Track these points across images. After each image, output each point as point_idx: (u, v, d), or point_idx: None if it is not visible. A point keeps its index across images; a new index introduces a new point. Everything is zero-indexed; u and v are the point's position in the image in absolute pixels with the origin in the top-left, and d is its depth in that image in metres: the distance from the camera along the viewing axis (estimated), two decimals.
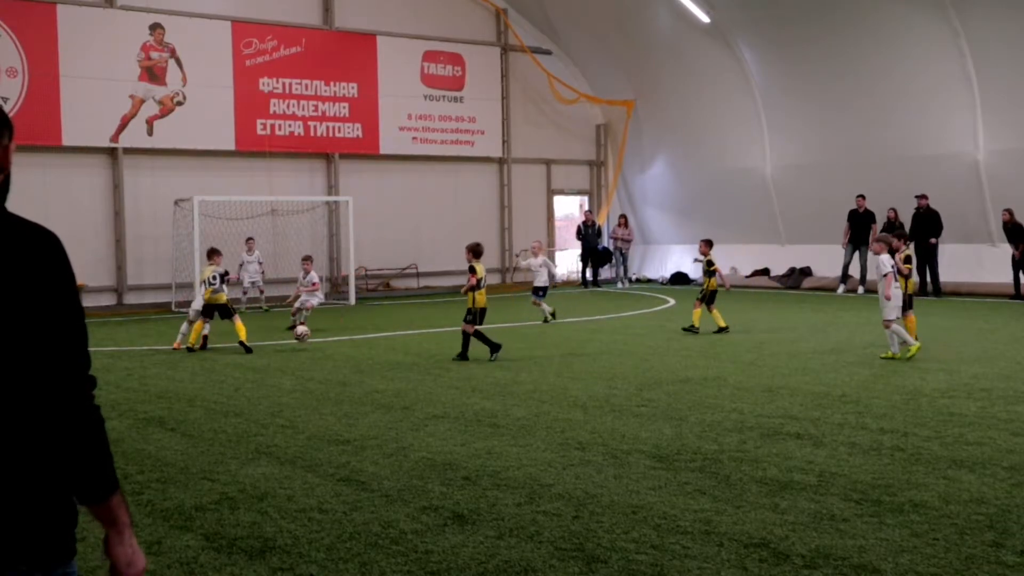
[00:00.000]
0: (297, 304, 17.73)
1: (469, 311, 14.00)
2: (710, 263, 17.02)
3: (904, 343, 13.24)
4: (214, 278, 15.64)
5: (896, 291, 13.29)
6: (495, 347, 13.84)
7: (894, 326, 13.24)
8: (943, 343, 14.78)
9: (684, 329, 16.72)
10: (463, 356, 13.79)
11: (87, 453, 2.42)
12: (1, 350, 2.31)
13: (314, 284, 18.01)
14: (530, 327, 18.32)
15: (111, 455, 2.49)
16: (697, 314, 16.59)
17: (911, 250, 14.81)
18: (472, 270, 14.14)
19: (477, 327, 13.96)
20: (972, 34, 22.11)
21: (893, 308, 13.23)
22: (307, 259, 18.47)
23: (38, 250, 2.37)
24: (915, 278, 22.92)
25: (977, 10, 21.84)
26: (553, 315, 18.93)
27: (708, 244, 17.55)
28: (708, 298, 16.75)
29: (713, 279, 16.88)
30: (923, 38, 23.03)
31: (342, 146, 26.89)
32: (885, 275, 13.21)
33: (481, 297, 14.01)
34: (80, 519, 2.50)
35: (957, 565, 5.29)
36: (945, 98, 23.18)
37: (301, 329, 15.87)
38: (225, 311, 15.56)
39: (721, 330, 16.45)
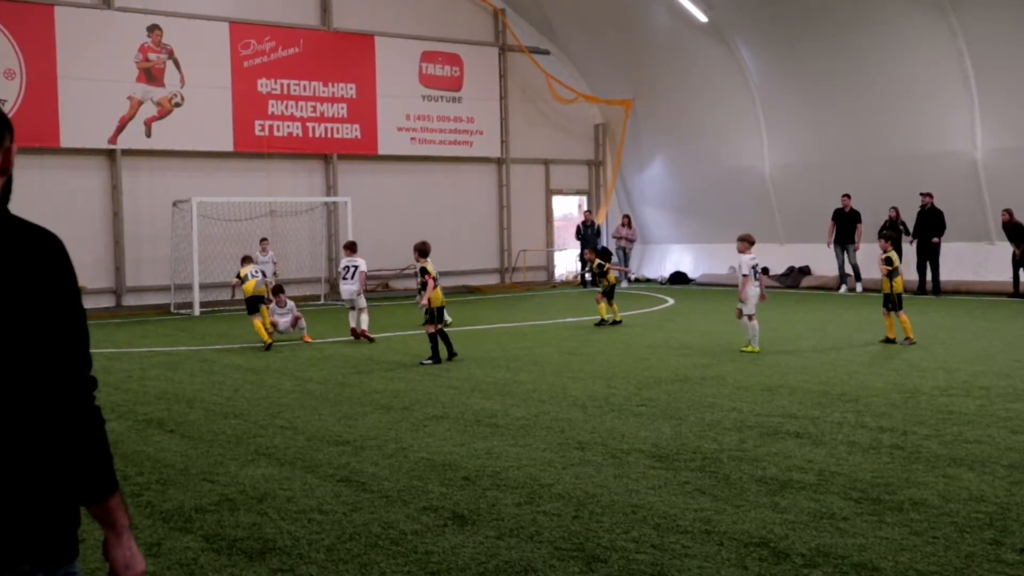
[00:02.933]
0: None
1: (426, 311, 13.84)
2: (600, 266, 18.78)
3: (749, 339, 14.17)
4: (256, 272, 16.87)
5: (753, 290, 14.15)
6: (436, 357, 13.62)
7: (744, 320, 14.24)
8: (942, 341, 14.78)
9: (596, 324, 18.06)
10: (434, 359, 13.66)
11: (87, 453, 2.43)
12: (3, 351, 2.32)
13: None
14: (529, 327, 18.31)
15: (111, 456, 2.50)
16: (603, 308, 18.27)
17: (892, 252, 14.95)
18: (424, 271, 13.98)
19: (437, 327, 13.82)
20: (970, 33, 22.12)
21: (747, 302, 14.20)
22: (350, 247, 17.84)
23: (41, 252, 2.38)
24: (916, 276, 23.13)
25: (975, 9, 21.85)
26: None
27: (594, 251, 19.74)
28: (609, 293, 18.35)
29: (612, 274, 18.78)
30: (921, 37, 23.04)
31: (341, 147, 26.89)
32: (745, 276, 14.20)
33: (437, 296, 13.88)
34: (81, 520, 2.50)
35: (957, 563, 5.30)
36: (943, 97, 23.19)
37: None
38: (254, 306, 16.38)
39: (616, 323, 18.04)
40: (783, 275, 27.17)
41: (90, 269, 22.95)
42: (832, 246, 24.95)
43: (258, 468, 7.78)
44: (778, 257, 27.61)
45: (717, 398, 10.41)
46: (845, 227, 24.67)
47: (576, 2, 28.95)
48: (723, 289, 27.13)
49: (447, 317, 17.29)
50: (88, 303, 22.92)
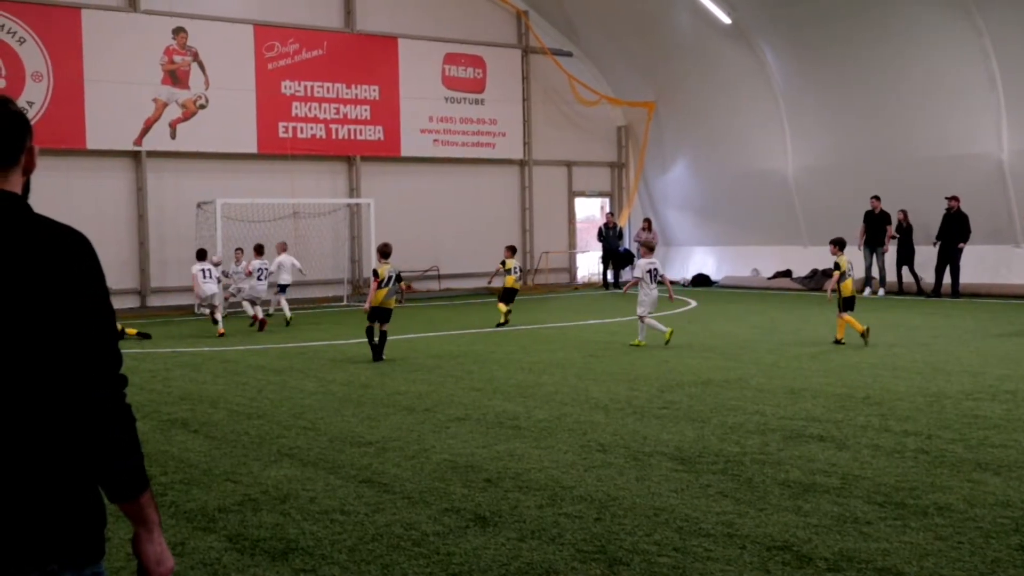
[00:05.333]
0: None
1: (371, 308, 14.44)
2: (503, 262, 19.36)
3: (659, 331, 15.29)
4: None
5: (651, 292, 15.37)
6: (375, 354, 14.18)
7: (647, 320, 15.29)
8: (967, 344, 14.67)
9: (497, 326, 18.65)
10: (377, 356, 14.24)
11: (119, 451, 2.45)
12: (35, 349, 2.35)
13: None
14: (551, 329, 18.30)
15: (142, 453, 2.52)
16: (502, 308, 19.00)
17: (841, 257, 15.36)
18: (375, 274, 14.51)
19: (369, 325, 14.34)
20: (995, 33, 21.95)
21: (644, 304, 15.32)
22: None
23: (68, 250, 2.41)
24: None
25: (1000, 10, 21.68)
26: (288, 322, 19.94)
27: (512, 251, 19.87)
28: (506, 296, 19.14)
29: (512, 276, 19.21)
30: (946, 38, 22.88)
31: (364, 148, 26.97)
32: (638, 278, 15.48)
33: (380, 296, 14.30)
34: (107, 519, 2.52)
35: (982, 569, 5.25)
36: (968, 98, 23.02)
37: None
38: None
39: (500, 324, 18.63)
40: (806, 277, 27.04)
41: (115, 270, 23.08)
42: (862, 248, 24.84)
43: (281, 468, 7.81)
44: (802, 259, 27.48)
45: (740, 401, 10.37)
46: (875, 229, 24.55)
47: (599, 4, 28.92)
48: (746, 291, 27.05)
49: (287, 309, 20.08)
50: (113, 304, 23.01)
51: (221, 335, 17.76)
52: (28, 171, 2.53)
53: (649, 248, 15.99)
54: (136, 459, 2.48)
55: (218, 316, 18.58)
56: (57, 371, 2.37)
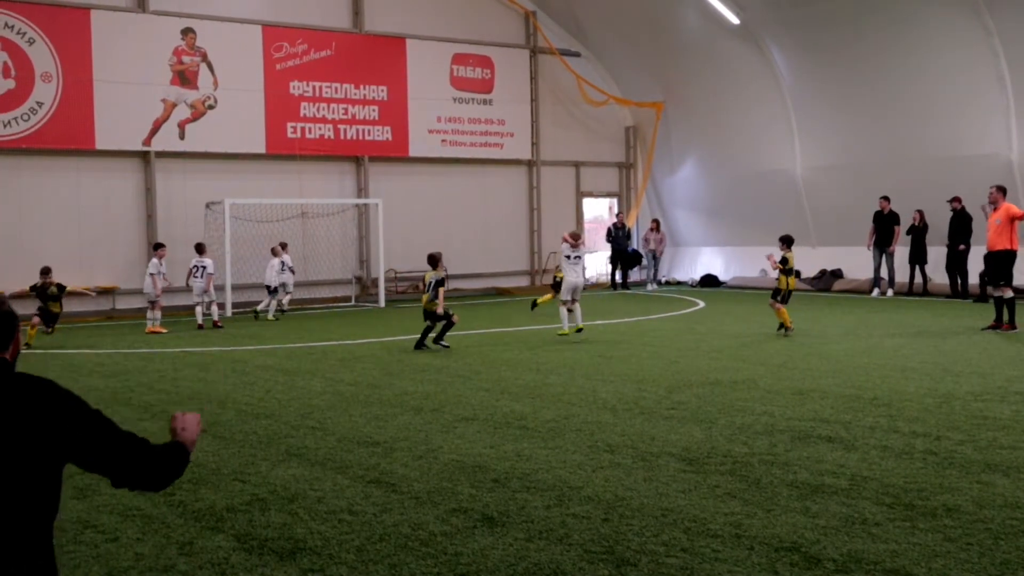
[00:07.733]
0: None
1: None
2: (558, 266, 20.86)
3: (572, 325, 16.30)
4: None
5: (574, 279, 16.32)
6: (419, 343, 15.57)
7: (562, 309, 16.31)
8: (976, 345, 14.63)
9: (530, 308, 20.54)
10: (420, 345, 15.65)
11: (171, 471, 3.20)
12: (34, 482, 2.90)
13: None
14: (559, 329, 18.27)
15: (177, 464, 3.23)
16: (549, 297, 20.43)
17: (788, 253, 16.55)
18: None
19: (428, 323, 15.64)
20: (1005, 33, 21.87)
21: (564, 291, 16.33)
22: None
23: (52, 397, 2.97)
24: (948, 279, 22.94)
25: (1010, 9, 21.59)
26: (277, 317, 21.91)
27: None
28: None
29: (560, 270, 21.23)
30: (955, 38, 22.79)
31: (372, 149, 26.97)
32: (556, 266, 16.49)
33: (424, 300, 15.78)
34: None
35: (991, 571, 5.24)
36: (978, 98, 22.94)
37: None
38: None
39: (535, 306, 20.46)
40: (814, 278, 26.98)
41: (123, 271, 23.18)
42: (871, 248, 24.78)
43: (289, 468, 7.82)
44: (810, 260, 27.39)
45: (748, 402, 10.36)
46: (884, 230, 24.49)
47: (607, 4, 28.89)
48: (754, 292, 27.00)
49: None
50: (121, 304, 23.19)
51: (150, 332, 19.05)
52: (12, 357, 3.06)
53: (575, 238, 17.04)
54: (179, 469, 3.23)
55: (150, 314, 19.56)
56: (120, 463, 3.06)
